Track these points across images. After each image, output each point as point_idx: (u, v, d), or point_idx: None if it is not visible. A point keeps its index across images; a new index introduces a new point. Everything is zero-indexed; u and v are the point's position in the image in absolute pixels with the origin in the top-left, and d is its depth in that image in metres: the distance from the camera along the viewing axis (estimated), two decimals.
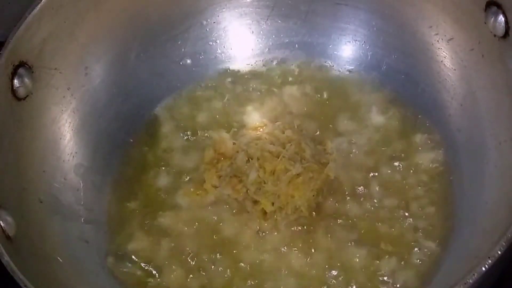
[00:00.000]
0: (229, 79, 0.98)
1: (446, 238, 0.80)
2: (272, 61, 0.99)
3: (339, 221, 0.83)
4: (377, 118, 0.91)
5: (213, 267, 0.82)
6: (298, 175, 0.83)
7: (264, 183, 0.84)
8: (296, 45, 0.98)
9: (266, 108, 0.95)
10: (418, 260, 0.79)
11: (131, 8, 0.92)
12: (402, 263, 0.79)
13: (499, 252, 0.61)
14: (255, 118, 0.94)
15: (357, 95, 0.94)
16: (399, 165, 0.87)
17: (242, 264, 0.81)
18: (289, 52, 0.99)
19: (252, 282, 0.80)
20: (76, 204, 0.85)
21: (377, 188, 0.85)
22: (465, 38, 0.83)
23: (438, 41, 0.87)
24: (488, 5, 0.76)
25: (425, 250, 0.80)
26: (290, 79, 0.97)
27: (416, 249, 0.80)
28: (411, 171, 0.86)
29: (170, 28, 0.96)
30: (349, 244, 0.81)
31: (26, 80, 0.81)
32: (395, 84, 0.93)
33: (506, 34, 0.75)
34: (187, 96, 0.97)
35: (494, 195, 0.75)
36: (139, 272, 0.83)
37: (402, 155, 0.87)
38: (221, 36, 0.98)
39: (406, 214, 0.83)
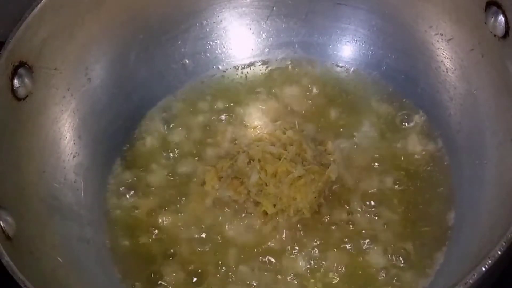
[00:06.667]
0: (229, 79, 0.98)
1: (446, 238, 0.80)
2: (272, 61, 0.99)
3: (341, 222, 0.83)
4: (377, 118, 0.91)
5: (213, 269, 0.82)
6: (299, 177, 0.83)
7: (266, 185, 0.83)
8: (296, 45, 0.98)
9: (266, 108, 0.95)
10: (419, 260, 0.79)
11: (131, 8, 0.92)
12: (404, 264, 0.79)
13: (499, 252, 0.60)
14: (256, 118, 0.94)
15: (357, 95, 0.94)
16: (399, 166, 0.87)
17: (243, 266, 0.81)
18: (289, 52, 0.98)
19: (254, 284, 0.80)
20: (76, 204, 0.85)
21: (378, 189, 0.85)
22: (465, 38, 0.83)
23: (438, 41, 0.87)
24: (488, 5, 0.76)
25: (426, 250, 0.80)
26: (290, 79, 0.97)
27: (417, 249, 0.80)
28: (411, 171, 0.86)
29: (170, 28, 0.96)
30: (351, 245, 0.81)
31: (26, 80, 0.81)
32: (395, 84, 0.93)
33: (506, 34, 0.75)
34: (187, 96, 0.97)
35: (494, 195, 0.75)
36: (138, 273, 0.83)
37: (402, 155, 0.87)
38: (221, 36, 0.98)
39: (407, 214, 0.83)
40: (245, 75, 0.98)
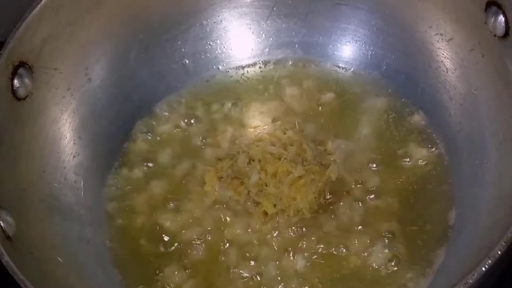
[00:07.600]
0: (229, 79, 0.98)
1: (446, 238, 0.80)
2: (272, 61, 0.99)
3: (341, 222, 0.83)
4: (377, 118, 0.91)
5: (213, 269, 0.82)
6: (300, 177, 0.83)
7: (266, 185, 0.83)
8: (296, 45, 0.98)
9: (266, 108, 0.95)
10: (420, 260, 0.79)
11: (131, 8, 0.92)
12: (404, 263, 0.79)
13: (499, 252, 0.61)
14: (256, 118, 0.94)
15: (357, 95, 0.94)
16: (400, 166, 0.87)
17: (243, 267, 0.81)
18: (289, 52, 0.99)
19: (254, 285, 0.80)
20: (76, 204, 0.85)
21: (378, 189, 0.85)
22: (465, 38, 0.83)
23: (438, 41, 0.87)
24: (488, 5, 0.76)
25: (426, 249, 0.80)
26: (290, 79, 0.97)
27: (417, 248, 0.80)
28: (412, 171, 0.86)
29: (170, 28, 0.96)
30: (351, 245, 0.81)
31: (26, 80, 0.81)
32: (395, 84, 0.93)
33: (506, 34, 0.75)
34: (187, 96, 0.97)
35: (494, 195, 0.75)
36: (138, 273, 0.83)
37: (403, 155, 0.87)
38: (221, 36, 0.99)
39: (407, 214, 0.83)
40: (245, 75, 0.98)
